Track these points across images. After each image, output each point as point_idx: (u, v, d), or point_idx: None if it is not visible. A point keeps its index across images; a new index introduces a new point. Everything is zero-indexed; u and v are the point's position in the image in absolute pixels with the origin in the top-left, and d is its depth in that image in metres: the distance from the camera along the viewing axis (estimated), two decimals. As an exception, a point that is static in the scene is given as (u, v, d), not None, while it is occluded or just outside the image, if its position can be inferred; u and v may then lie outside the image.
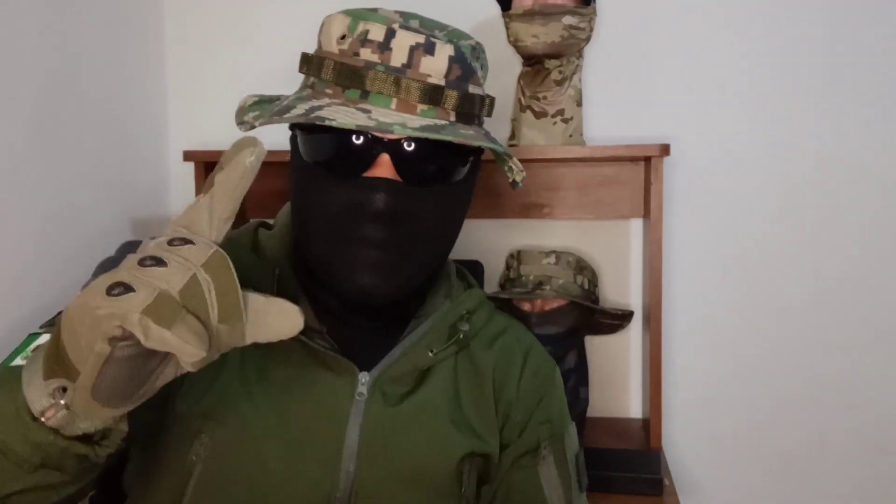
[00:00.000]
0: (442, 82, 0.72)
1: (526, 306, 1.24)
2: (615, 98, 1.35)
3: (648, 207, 1.24)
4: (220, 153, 1.17)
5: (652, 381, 1.22)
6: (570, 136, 1.24)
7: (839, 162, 1.32)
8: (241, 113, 0.76)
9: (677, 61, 1.34)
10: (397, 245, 0.72)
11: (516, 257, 1.29)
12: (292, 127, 0.78)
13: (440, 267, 0.84)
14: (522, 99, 1.24)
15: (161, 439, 0.74)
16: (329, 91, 0.73)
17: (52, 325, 0.72)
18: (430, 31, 0.73)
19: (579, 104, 1.25)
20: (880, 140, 1.30)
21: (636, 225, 1.37)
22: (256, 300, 0.55)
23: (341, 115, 0.69)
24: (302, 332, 0.72)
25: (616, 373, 1.39)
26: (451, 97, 0.72)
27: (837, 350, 1.34)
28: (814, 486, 1.36)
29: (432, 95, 0.71)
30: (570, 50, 1.19)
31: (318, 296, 0.78)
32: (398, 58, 0.71)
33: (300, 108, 0.71)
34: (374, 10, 0.75)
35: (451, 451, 0.77)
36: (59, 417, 0.55)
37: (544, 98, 1.22)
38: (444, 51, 0.72)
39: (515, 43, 1.19)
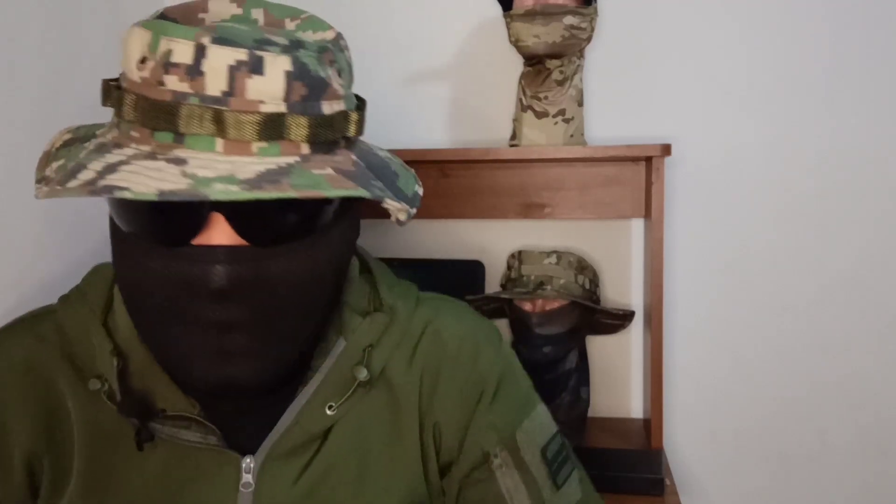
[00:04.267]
0: (282, 108, 0.53)
1: (527, 306, 1.24)
2: (616, 98, 1.35)
3: (649, 207, 1.24)
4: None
5: (653, 381, 1.22)
6: (572, 136, 1.24)
7: (841, 162, 1.32)
8: (43, 164, 0.58)
9: (678, 61, 1.34)
10: (254, 324, 0.56)
11: (517, 257, 1.29)
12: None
13: (306, 349, 0.65)
14: (524, 99, 1.24)
15: None
16: (135, 134, 0.54)
17: None
18: (261, 40, 0.54)
19: (580, 104, 1.25)
20: (882, 139, 1.30)
21: (637, 225, 1.37)
22: None
23: (142, 176, 0.50)
24: (169, 420, 0.61)
25: (617, 373, 1.39)
26: (299, 126, 0.54)
27: (838, 350, 1.34)
28: (815, 487, 1.36)
29: (271, 128, 0.53)
30: (571, 50, 1.19)
31: None
32: (215, 84, 0.52)
33: (91, 170, 0.52)
34: (187, 16, 0.58)
35: None
36: None
37: (545, 98, 1.22)
38: (278, 65, 0.53)
39: (516, 43, 1.18)
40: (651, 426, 1.22)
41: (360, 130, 0.60)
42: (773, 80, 1.32)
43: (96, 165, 0.52)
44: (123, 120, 0.55)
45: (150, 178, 0.50)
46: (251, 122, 0.52)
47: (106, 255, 1.24)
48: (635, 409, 1.39)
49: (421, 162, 1.33)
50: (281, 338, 0.59)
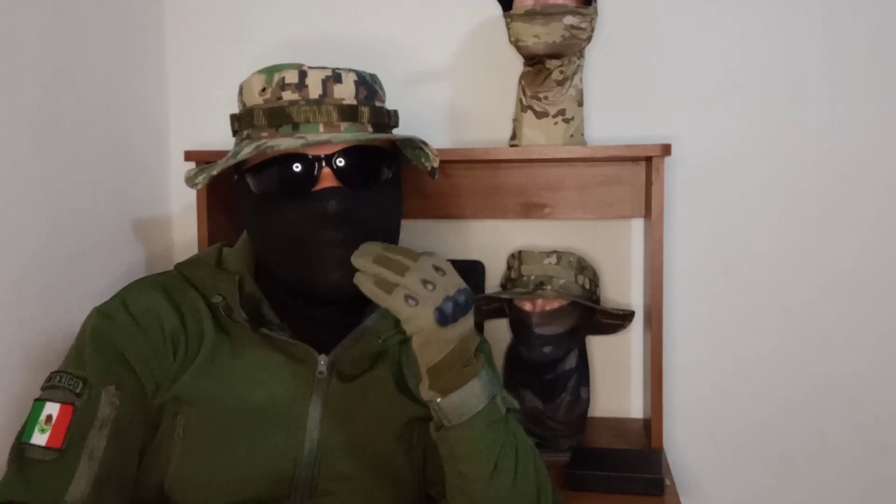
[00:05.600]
0: (354, 102, 0.89)
1: (527, 306, 1.24)
2: (616, 98, 1.35)
3: (649, 207, 1.24)
4: (220, 153, 1.19)
5: (653, 381, 1.22)
6: (572, 136, 1.24)
7: (840, 161, 1.32)
8: (190, 181, 0.90)
9: (678, 61, 1.34)
10: (353, 242, 0.84)
11: (517, 257, 1.29)
12: (240, 173, 0.92)
13: None
14: (524, 99, 1.24)
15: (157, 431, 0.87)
16: (265, 134, 0.87)
17: (52, 388, 0.82)
18: (334, 67, 0.89)
19: (580, 104, 1.24)
20: (882, 139, 1.30)
21: (637, 225, 1.37)
22: None
23: (284, 143, 0.84)
24: (266, 327, 0.89)
25: (617, 373, 1.39)
26: (365, 112, 0.89)
27: (839, 350, 1.34)
28: (815, 486, 1.36)
29: (350, 113, 0.87)
30: (571, 50, 1.19)
31: (279, 299, 0.92)
32: (314, 91, 0.87)
33: (248, 149, 0.85)
34: (282, 64, 0.90)
35: (397, 416, 0.91)
36: None
37: (545, 98, 1.22)
38: (350, 77, 0.89)
39: (516, 43, 1.18)
40: (651, 426, 1.22)
41: (397, 123, 0.96)
42: (772, 81, 1.32)
43: (250, 147, 0.85)
44: (254, 128, 0.88)
45: (289, 143, 0.84)
46: (338, 109, 0.87)
47: (102, 256, 1.24)
48: (635, 409, 1.39)
49: (421, 162, 1.33)
50: None
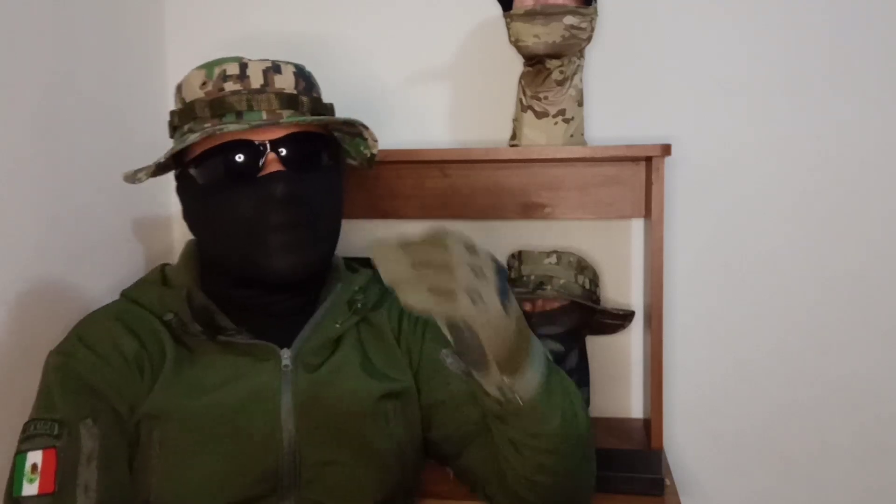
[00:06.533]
0: (295, 91, 0.92)
1: (527, 306, 1.24)
2: (616, 98, 1.35)
3: (649, 207, 1.24)
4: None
5: (653, 381, 1.22)
6: (572, 136, 1.24)
7: (841, 162, 1.32)
8: (131, 177, 0.91)
9: (678, 61, 1.34)
10: (300, 224, 0.88)
11: (517, 257, 1.29)
12: (183, 168, 0.93)
13: (333, 250, 1.00)
14: (524, 99, 1.24)
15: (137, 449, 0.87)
16: (208, 125, 0.89)
17: (29, 438, 0.82)
18: (274, 60, 0.93)
19: (580, 104, 1.25)
20: (882, 139, 1.30)
21: (637, 225, 1.37)
22: None
23: (231, 126, 0.86)
24: (223, 334, 0.90)
25: (617, 373, 1.39)
26: (305, 101, 0.92)
27: (840, 350, 1.34)
28: (815, 487, 1.36)
29: (290, 102, 0.91)
30: (571, 50, 1.19)
31: (231, 302, 0.93)
32: (256, 81, 0.90)
33: (195, 135, 0.87)
34: (222, 58, 0.93)
35: (367, 394, 0.92)
36: None
37: (545, 98, 1.22)
38: (289, 69, 0.93)
39: (516, 43, 1.18)
40: (651, 426, 1.22)
41: (333, 114, 0.98)
42: (773, 80, 1.32)
43: (196, 134, 0.87)
44: (197, 120, 0.90)
45: (237, 126, 0.86)
46: (279, 98, 0.90)
47: (102, 256, 1.24)
48: (635, 409, 1.39)
49: (421, 162, 1.33)
50: (315, 238, 0.91)
